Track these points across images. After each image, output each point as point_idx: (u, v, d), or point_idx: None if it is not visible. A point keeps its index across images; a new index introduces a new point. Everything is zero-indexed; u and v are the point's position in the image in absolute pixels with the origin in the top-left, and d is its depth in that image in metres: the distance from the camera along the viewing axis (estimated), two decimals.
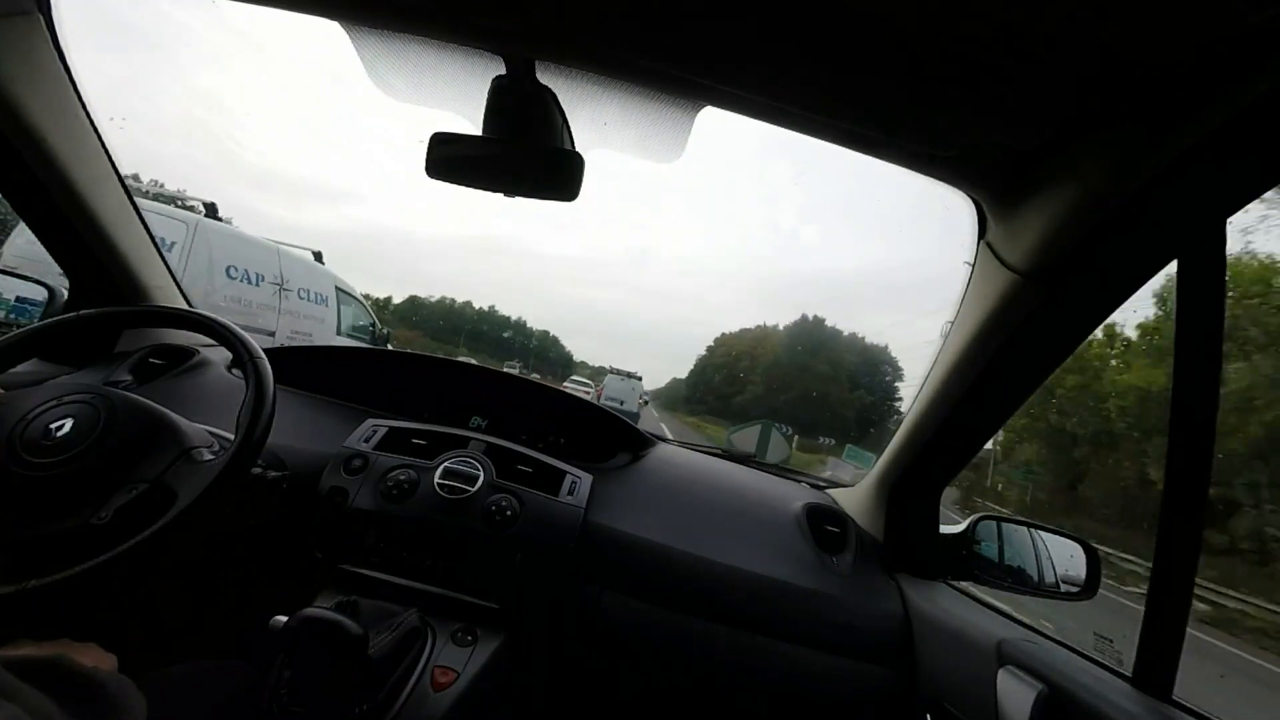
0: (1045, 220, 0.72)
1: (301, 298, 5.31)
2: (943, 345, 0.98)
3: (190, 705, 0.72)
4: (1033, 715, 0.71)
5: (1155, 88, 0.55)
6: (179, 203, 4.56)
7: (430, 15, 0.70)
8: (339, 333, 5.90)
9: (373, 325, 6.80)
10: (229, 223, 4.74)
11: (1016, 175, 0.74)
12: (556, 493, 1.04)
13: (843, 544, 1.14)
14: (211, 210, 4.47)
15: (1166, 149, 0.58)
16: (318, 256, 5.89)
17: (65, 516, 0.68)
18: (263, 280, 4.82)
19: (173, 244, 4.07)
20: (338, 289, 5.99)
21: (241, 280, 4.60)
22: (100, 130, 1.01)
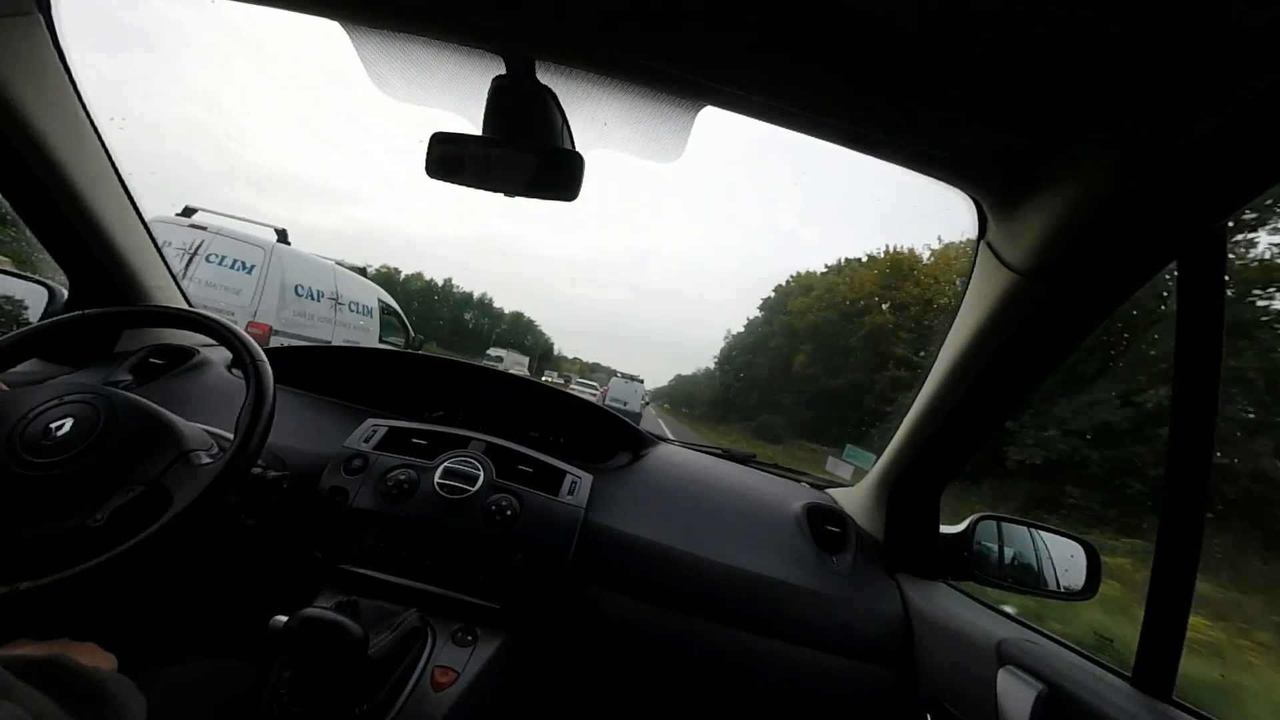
0: (1045, 220, 0.72)
1: (352, 310, 5.96)
2: (943, 345, 0.98)
3: (190, 705, 0.72)
4: (1033, 715, 0.71)
5: (1155, 88, 0.55)
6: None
7: (430, 15, 0.70)
8: (380, 340, 6.52)
9: (407, 332, 7.42)
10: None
11: (1016, 175, 0.74)
12: (557, 493, 1.04)
13: (843, 544, 1.14)
14: (282, 236, 5.03)
15: (1166, 149, 0.58)
16: (362, 271, 6.59)
17: (62, 517, 0.68)
18: (322, 296, 5.42)
19: (252, 267, 4.67)
20: (380, 301, 6.63)
21: (306, 297, 5.20)
22: (100, 130, 1.01)
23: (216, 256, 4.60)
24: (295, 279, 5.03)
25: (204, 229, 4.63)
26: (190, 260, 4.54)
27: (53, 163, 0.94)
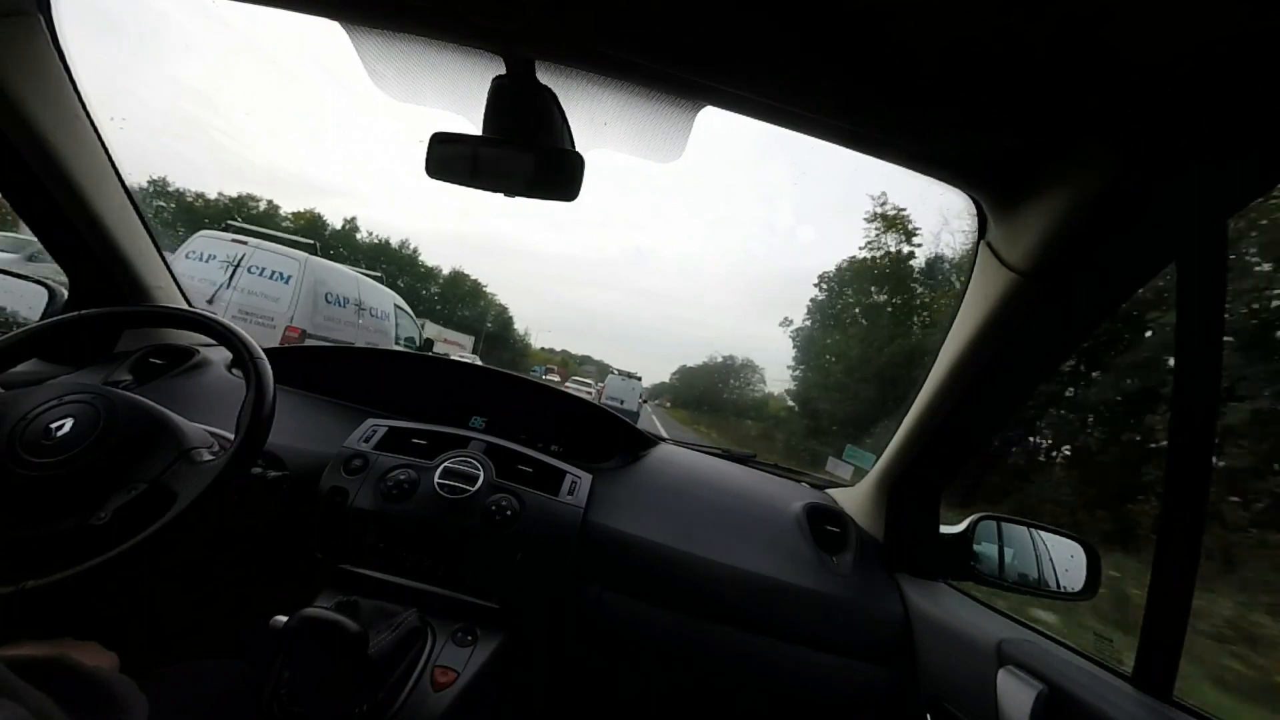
0: (1045, 220, 0.72)
1: (372, 315, 6.40)
2: (943, 345, 0.98)
3: (191, 705, 0.72)
4: (1033, 715, 0.71)
5: (1155, 88, 0.55)
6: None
7: (430, 15, 0.70)
8: (396, 343, 6.89)
9: (420, 334, 7.89)
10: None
11: (1016, 175, 0.74)
12: (556, 492, 1.04)
13: (843, 544, 1.14)
14: (312, 249, 5.57)
15: (1166, 149, 0.58)
16: (379, 280, 6.99)
17: (64, 516, 0.68)
18: (347, 303, 5.86)
19: (289, 277, 5.10)
20: (395, 306, 7.00)
21: (335, 304, 5.63)
22: (100, 130, 1.01)
23: (257, 268, 5.03)
24: (326, 288, 5.46)
25: (245, 242, 5.04)
26: (234, 271, 4.90)
27: (53, 163, 0.94)
